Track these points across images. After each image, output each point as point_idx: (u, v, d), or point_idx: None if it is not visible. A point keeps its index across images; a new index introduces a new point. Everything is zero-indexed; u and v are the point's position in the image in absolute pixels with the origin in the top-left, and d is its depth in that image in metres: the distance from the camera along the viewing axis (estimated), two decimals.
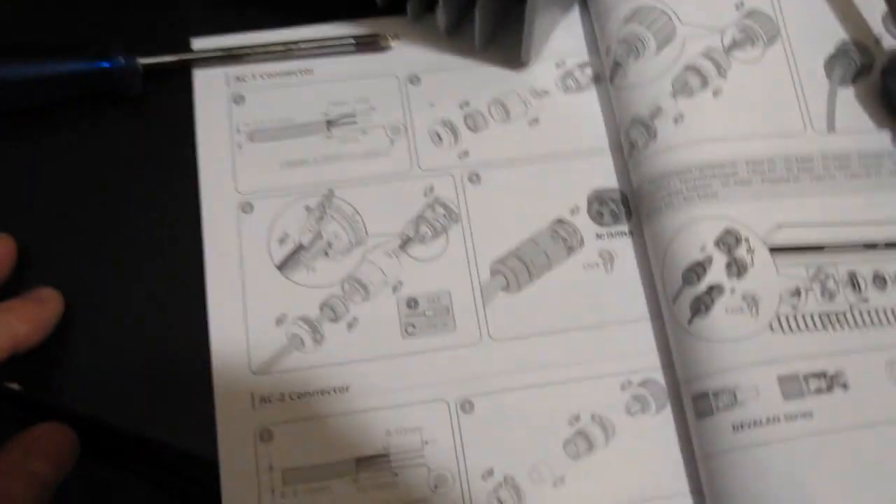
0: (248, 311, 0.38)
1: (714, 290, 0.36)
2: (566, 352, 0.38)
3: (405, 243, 0.39)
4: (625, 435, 0.37)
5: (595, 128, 0.42)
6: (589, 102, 0.42)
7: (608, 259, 0.39)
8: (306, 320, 0.38)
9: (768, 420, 0.34)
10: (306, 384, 0.37)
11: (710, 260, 0.36)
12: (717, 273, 0.36)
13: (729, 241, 0.37)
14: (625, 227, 0.40)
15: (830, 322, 0.36)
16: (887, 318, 0.37)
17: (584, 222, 0.40)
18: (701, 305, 0.36)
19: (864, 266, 0.37)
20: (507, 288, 0.38)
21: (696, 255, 0.36)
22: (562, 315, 0.38)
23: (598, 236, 0.40)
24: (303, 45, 0.41)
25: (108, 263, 0.39)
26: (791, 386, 0.35)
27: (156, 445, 0.36)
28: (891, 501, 0.33)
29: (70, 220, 0.39)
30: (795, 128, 0.39)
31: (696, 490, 0.36)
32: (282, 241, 0.39)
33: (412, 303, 0.38)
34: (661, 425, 0.37)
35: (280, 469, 0.36)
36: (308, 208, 0.39)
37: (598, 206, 0.40)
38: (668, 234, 0.37)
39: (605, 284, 0.39)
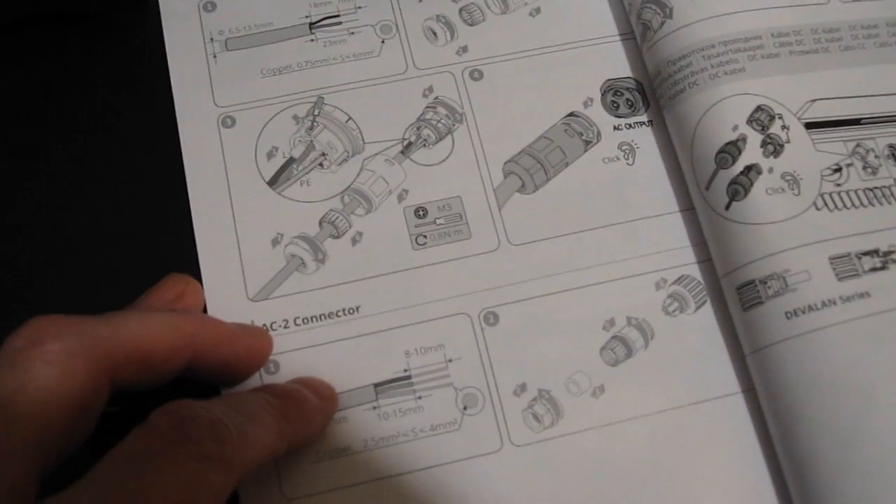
0: (239, 233, 0.34)
1: (751, 171, 0.33)
2: (593, 253, 0.34)
3: (407, 148, 0.35)
4: (665, 336, 0.34)
5: (601, 15, 0.38)
6: None
7: (629, 151, 0.36)
8: (305, 238, 0.34)
9: (824, 304, 0.31)
10: (311, 308, 0.33)
11: (743, 139, 0.33)
12: (752, 153, 0.33)
13: (762, 118, 0.34)
14: (643, 117, 0.36)
15: (876, 197, 0.33)
16: None
17: (598, 114, 0.36)
18: (739, 188, 0.33)
19: None
20: (522, 189, 0.35)
21: (728, 136, 0.33)
22: (584, 214, 0.35)
23: (616, 128, 0.36)
24: None
25: (83, 196, 0.34)
26: (844, 266, 0.32)
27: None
28: None
29: (36, 154, 0.35)
30: None
31: (748, 388, 0.33)
32: (270, 155, 0.35)
33: (421, 211, 0.34)
34: (703, 323, 0.34)
35: None
36: (296, 118, 0.35)
37: (613, 96, 0.37)
38: (695, 116, 0.34)
39: (627, 178, 0.36)
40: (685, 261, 0.35)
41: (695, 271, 0.35)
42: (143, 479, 0.23)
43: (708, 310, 0.34)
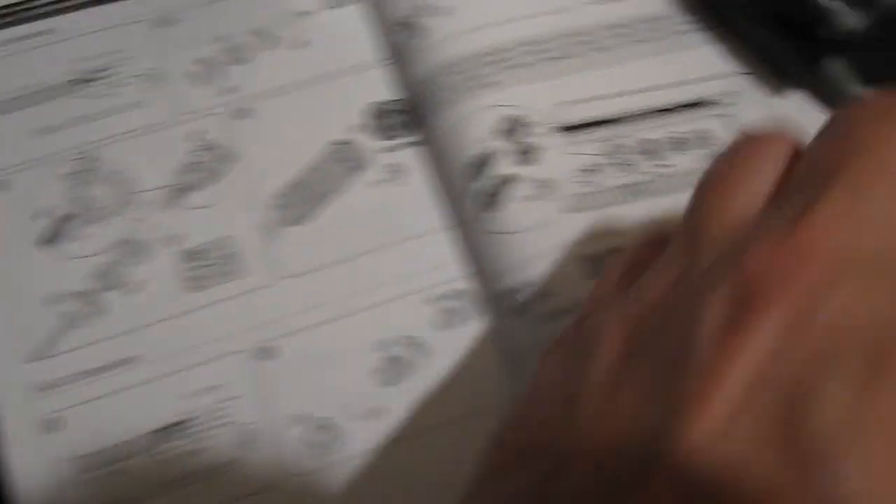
0: (13, 295, 0.34)
1: (504, 181, 0.34)
2: (364, 277, 0.35)
3: (178, 194, 0.36)
4: (437, 352, 0.34)
5: (366, 40, 0.39)
6: (356, 15, 0.39)
7: (396, 173, 0.36)
8: (81, 294, 0.34)
9: (576, 305, 0.32)
10: (90, 361, 0.34)
11: (495, 151, 0.34)
12: (503, 164, 0.34)
13: (513, 127, 0.34)
14: (410, 138, 0.37)
15: (631, 193, 0.34)
16: (688, 180, 0.34)
17: (366, 139, 0.37)
18: (492, 199, 0.33)
19: (660, 132, 0.35)
20: (293, 221, 0.36)
21: (479, 149, 0.34)
22: (355, 239, 0.36)
23: (383, 151, 0.37)
24: (37, 4, 0.38)
25: None
26: (597, 266, 0.33)
27: None
28: None
29: None
30: (571, 2, 0.37)
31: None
32: (43, 214, 0.35)
33: (194, 255, 0.35)
34: (475, 335, 0.34)
35: (75, 457, 0.32)
36: (67, 175, 0.36)
37: (379, 119, 0.37)
38: (449, 132, 0.35)
39: (396, 200, 0.36)
40: (454, 275, 0.35)
41: (465, 285, 0.35)
42: None
43: (480, 321, 0.35)
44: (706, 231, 0.22)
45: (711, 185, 0.23)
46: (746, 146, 0.23)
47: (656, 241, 0.26)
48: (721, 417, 0.18)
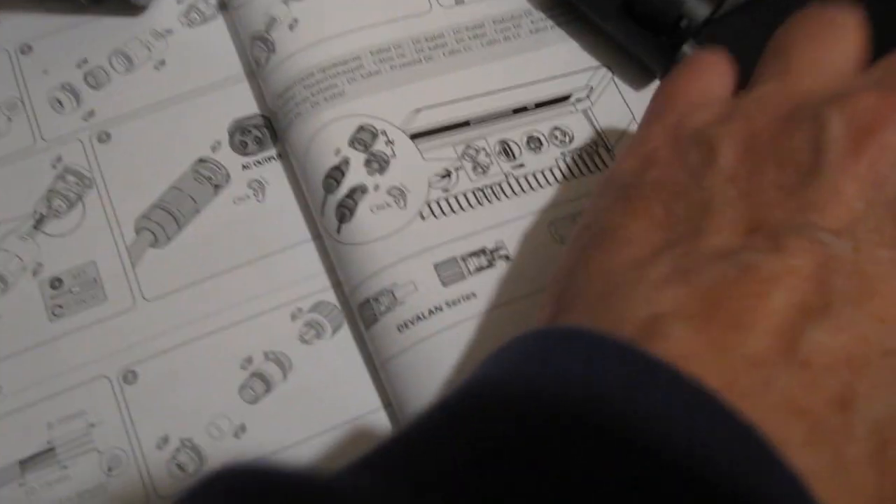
0: None
1: (356, 192, 0.34)
2: (229, 294, 0.35)
3: (39, 222, 0.36)
4: (303, 365, 0.34)
5: (227, 56, 0.39)
6: (217, 32, 0.39)
7: (259, 188, 0.36)
8: None
9: (430, 312, 0.32)
10: None
11: (346, 162, 0.34)
12: (356, 173, 0.34)
13: (364, 137, 0.34)
14: (272, 152, 0.37)
15: (486, 196, 0.34)
16: (546, 179, 0.34)
17: (227, 156, 0.37)
18: (345, 211, 0.34)
19: (516, 132, 0.36)
20: (155, 243, 0.36)
21: (331, 160, 0.34)
22: (219, 257, 0.35)
23: (245, 167, 0.37)
24: None
25: None
26: (450, 270, 0.33)
27: None
28: None
29: None
30: (421, 7, 0.37)
31: (388, 402, 0.33)
32: None
33: (56, 283, 0.35)
34: (341, 346, 0.35)
35: None
36: None
37: (241, 135, 0.37)
38: (303, 146, 0.35)
39: (259, 215, 0.36)
40: (320, 287, 0.35)
41: (330, 296, 0.35)
42: None
43: (346, 332, 0.35)
44: (805, 64, 0.26)
45: (804, 28, 0.27)
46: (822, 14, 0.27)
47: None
48: (851, 211, 0.22)
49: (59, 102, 0.38)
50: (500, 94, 0.36)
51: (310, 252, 0.36)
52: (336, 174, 0.34)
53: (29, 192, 0.36)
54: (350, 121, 0.35)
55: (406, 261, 0.33)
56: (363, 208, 0.33)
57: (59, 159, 0.37)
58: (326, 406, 0.34)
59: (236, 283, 0.35)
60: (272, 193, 0.37)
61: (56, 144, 0.37)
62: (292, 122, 0.35)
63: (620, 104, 0.37)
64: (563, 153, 0.35)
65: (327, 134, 0.34)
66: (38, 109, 0.38)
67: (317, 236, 0.36)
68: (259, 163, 0.37)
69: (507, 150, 0.35)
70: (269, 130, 0.37)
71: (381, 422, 0.34)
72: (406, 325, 0.32)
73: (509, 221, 0.34)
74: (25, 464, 0.33)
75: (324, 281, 0.35)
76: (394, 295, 0.32)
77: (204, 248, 0.36)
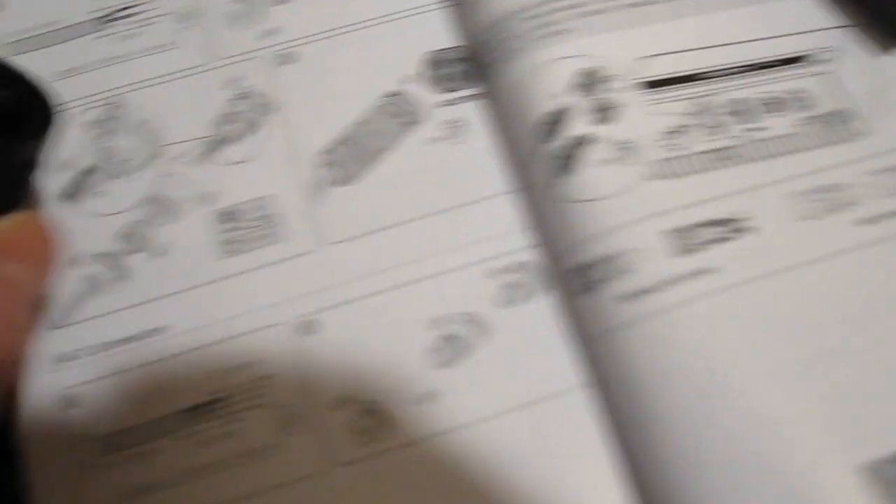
0: None
1: (576, 143, 0.30)
2: (418, 244, 0.31)
3: (213, 147, 0.32)
4: (497, 331, 0.31)
5: None
6: None
7: (454, 129, 0.33)
8: (104, 255, 0.31)
9: (659, 285, 0.28)
10: (113, 331, 0.31)
11: (570, 107, 0.30)
12: (577, 123, 0.30)
13: (589, 82, 0.30)
14: (471, 91, 0.33)
15: (719, 160, 0.30)
16: (785, 147, 0.30)
17: (421, 91, 0.33)
18: (565, 162, 0.29)
19: (752, 90, 0.31)
20: (339, 181, 0.32)
21: (549, 105, 0.30)
22: (408, 202, 0.32)
23: (440, 104, 0.33)
24: None
25: None
26: (685, 239, 0.29)
27: None
28: (814, 353, 0.27)
29: None
30: None
31: (590, 381, 0.30)
32: (63, 167, 0.32)
33: (229, 216, 0.31)
34: (539, 313, 0.31)
35: (96, 437, 0.29)
36: (90, 124, 0.32)
37: (436, 69, 0.33)
38: (515, 85, 0.31)
39: (453, 159, 0.32)
40: (517, 246, 0.32)
41: (528, 257, 0.32)
42: None
43: (543, 298, 0.31)
44: None
45: None
46: None
47: None
48: None
49: (237, 16, 0.34)
50: (734, 48, 0.32)
51: (507, 206, 0.32)
52: (557, 121, 0.30)
53: (201, 113, 0.33)
54: (572, 62, 0.31)
55: (633, 225, 0.29)
56: (586, 161, 0.30)
57: (235, 79, 0.33)
58: (520, 379, 0.30)
59: (427, 234, 0.32)
60: (469, 137, 0.33)
61: (232, 63, 0.33)
62: (504, 58, 0.31)
63: (865, 70, 0.32)
64: (804, 118, 0.31)
65: (545, 75, 0.30)
66: (214, 23, 0.34)
67: (517, 189, 0.32)
68: (456, 101, 0.33)
69: (739, 111, 0.31)
70: (469, 66, 0.33)
71: (579, 404, 0.30)
72: (628, 298, 0.28)
73: (745, 190, 0.30)
74: (188, 413, 0.29)
75: (522, 239, 0.32)
76: (616, 262, 0.29)
77: (392, 190, 0.32)
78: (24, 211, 0.28)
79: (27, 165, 0.28)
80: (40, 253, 0.27)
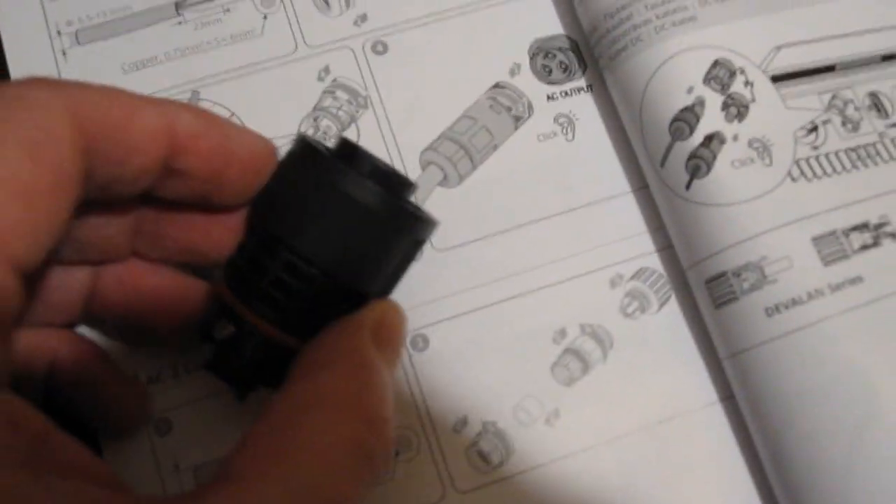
0: None
1: (713, 141, 0.27)
2: (534, 251, 0.29)
3: None
4: (625, 343, 0.28)
5: None
6: None
7: (567, 125, 0.30)
8: None
9: (810, 295, 0.26)
10: None
11: (701, 103, 0.27)
12: (713, 118, 0.27)
13: (721, 74, 0.28)
14: (581, 82, 0.31)
15: (860, 158, 0.28)
16: None
17: (529, 83, 0.31)
18: (700, 163, 0.27)
19: (888, 83, 0.29)
20: (444, 181, 0.29)
21: (682, 100, 0.28)
22: (520, 205, 0.30)
23: (551, 97, 0.31)
24: None
25: None
26: (831, 246, 0.27)
27: None
28: None
29: None
30: None
31: (727, 397, 0.28)
32: None
33: None
34: (669, 324, 0.29)
35: (188, 467, 0.26)
36: None
37: (544, 59, 0.31)
38: (641, 78, 0.28)
39: (568, 157, 0.30)
40: (643, 250, 0.30)
41: (655, 262, 0.29)
42: None
43: (674, 307, 0.29)
44: None
45: None
46: None
47: None
48: None
49: (325, 1, 0.31)
50: (870, 37, 0.30)
51: (631, 206, 0.30)
52: (689, 117, 0.28)
53: (291, 107, 0.30)
54: (704, 52, 0.28)
55: (779, 230, 0.27)
56: (722, 161, 0.27)
57: (326, 70, 0.30)
58: (652, 394, 0.28)
59: (543, 238, 0.29)
60: (583, 132, 0.30)
61: (322, 52, 0.31)
62: (626, 48, 0.29)
63: None
64: None
65: (677, 67, 0.28)
66: (301, 8, 0.31)
67: (640, 187, 0.30)
68: (567, 94, 0.31)
69: (878, 105, 0.29)
70: (578, 55, 0.31)
71: (716, 419, 0.28)
72: (777, 309, 0.26)
73: (890, 192, 0.28)
74: None
75: (648, 242, 0.30)
76: (763, 271, 0.26)
77: (503, 192, 0.30)
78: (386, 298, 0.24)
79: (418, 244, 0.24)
80: (397, 344, 0.24)
